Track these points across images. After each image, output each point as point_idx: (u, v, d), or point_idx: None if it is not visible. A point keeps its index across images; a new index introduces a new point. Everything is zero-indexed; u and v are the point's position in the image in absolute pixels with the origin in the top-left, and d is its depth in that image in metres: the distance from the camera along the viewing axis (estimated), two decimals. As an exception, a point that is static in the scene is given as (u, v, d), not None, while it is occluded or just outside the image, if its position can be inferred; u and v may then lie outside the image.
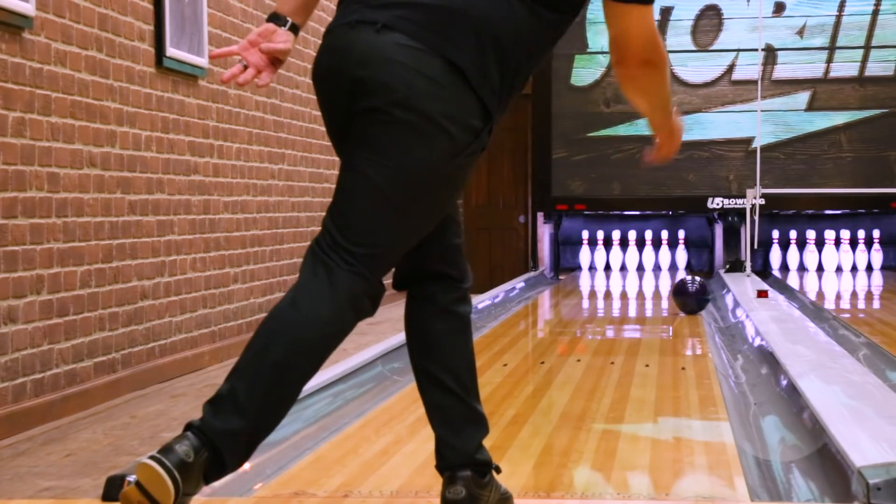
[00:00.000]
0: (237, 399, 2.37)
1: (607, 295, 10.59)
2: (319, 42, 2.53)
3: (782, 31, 11.67)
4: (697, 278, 8.29)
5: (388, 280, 2.54)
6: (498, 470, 2.71)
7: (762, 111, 11.31)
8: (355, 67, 2.42)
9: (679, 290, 8.14)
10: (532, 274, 11.60)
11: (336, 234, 2.45)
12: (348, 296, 2.44)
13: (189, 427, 2.36)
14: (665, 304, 9.65)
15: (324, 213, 2.50)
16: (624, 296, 10.37)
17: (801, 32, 11.66)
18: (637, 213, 12.11)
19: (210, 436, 2.35)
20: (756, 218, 10.33)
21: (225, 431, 2.36)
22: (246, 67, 2.55)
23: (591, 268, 12.20)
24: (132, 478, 2.34)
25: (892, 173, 11.51)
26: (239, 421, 2.36)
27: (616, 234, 12.16)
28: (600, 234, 12.20)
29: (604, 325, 8.00)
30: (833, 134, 11.60)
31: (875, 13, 11.59)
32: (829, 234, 11.88)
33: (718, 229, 11.88)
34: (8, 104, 4.67)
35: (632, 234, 12.17)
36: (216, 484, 3.42)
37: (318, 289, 2.43)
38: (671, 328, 7.65)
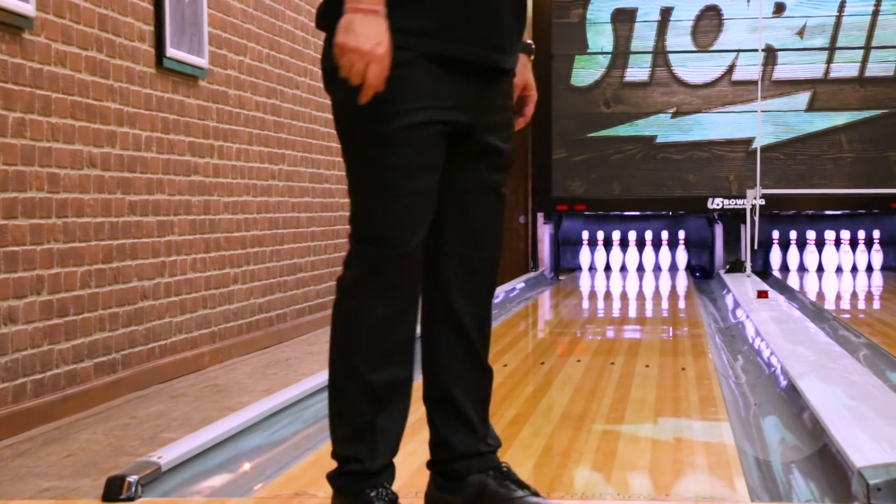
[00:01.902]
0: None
1: (607, 295, 10.59)
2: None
3: (782, 31, 11.67)
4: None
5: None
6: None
7: (762, 112, 11.30)
8: None
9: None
10: (532, 274, 11.60)
11: None
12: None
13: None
14: (665, 304, 9.65)
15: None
16: (624, 296, 10.37)
17: (801, 33, 11.66)
18: (637, 213, 12.11)
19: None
20: (756, 218, 10.33)
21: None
22: None
23: (592, 268, 12.20)
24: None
25: (893, 174, 11.51)
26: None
27: (616, 235, 12.16)
28: (600, 235, 12.19)
29: (604, 325, 8.00)
30: (833, 134, 11.60)
31: (875, 14, 11.59)
32: (830, 235, 11.88)
33: (719, 230, 11.88)
34: (8, 105, 4.67)
35: (632, 235, 12.17)
36: (216, 484, 3.43)
37: None
38: (671, 328, 7.65)
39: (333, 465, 2.71)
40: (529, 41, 2.85)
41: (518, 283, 10.61)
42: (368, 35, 2.43)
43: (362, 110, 2.51)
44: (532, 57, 2.88)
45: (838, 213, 11.94)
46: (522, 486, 2.75)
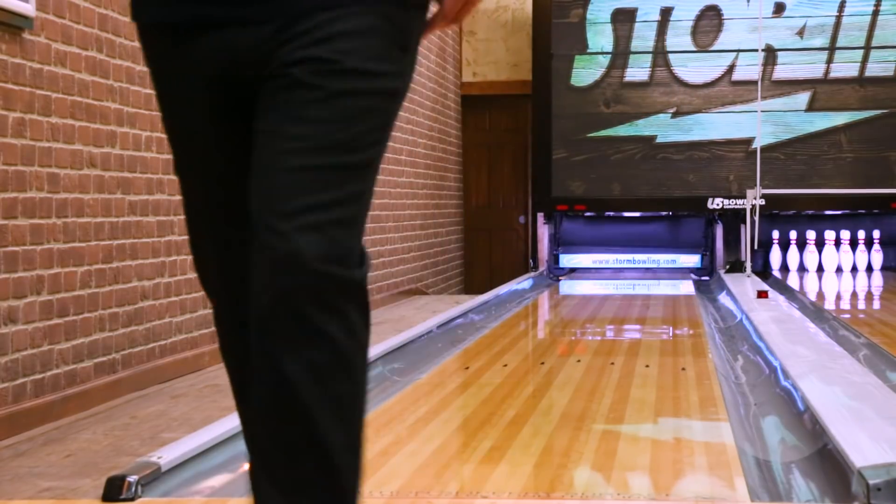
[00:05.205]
0: None
1: (607, 295, 10.59)
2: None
3: (782, 31, 11.67)
4: None
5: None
6: None
7: (762, 112, 11.31)
8: None
9: None
10: (532, 274, 11.61)
11: None
12: None
13: None
14: (666, 304, 9.64)
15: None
16: (624, 296, 10.37)
17: (801, 33, 11.66)
18: (637, 213, 12.12)
19: None
20: (756, 218, 10.33)
21: None
22: None
23: (592, 268, 12.21)
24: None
25: (892, 174, 11.52)
26: None
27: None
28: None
29: (604, 325, 8.00)
30: (833, 134, 11.60)
31: (875, 14, 11.59)
32: (830, 235, 11.88)
33: (719, 230, 11.88)
34: (8, 105, 4.67)
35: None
36: (216, 484, 3.43)
37: None
38: (671, 328, 7.65)
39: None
40: None
41: (518, 284, 10.62)
42: None
43: None
44: None
45: (838, 213, 11.94)
46: None
